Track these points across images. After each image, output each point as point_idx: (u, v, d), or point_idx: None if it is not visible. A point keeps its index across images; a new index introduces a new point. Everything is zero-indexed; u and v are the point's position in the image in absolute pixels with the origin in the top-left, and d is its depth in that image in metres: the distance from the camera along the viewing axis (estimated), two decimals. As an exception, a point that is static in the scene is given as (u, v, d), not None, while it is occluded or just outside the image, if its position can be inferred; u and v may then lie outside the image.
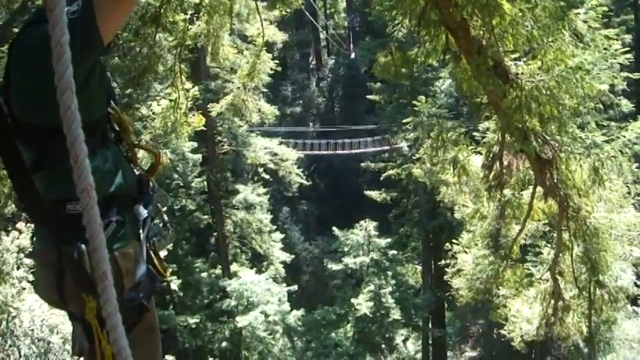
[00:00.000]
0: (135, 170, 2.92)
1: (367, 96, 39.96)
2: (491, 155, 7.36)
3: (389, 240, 35.86)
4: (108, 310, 1.39)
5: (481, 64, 5.51)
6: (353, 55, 49.32)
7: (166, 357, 26.24)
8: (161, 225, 3.03)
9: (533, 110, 5.68)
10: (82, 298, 2.52)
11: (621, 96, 38.36)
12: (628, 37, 44.97)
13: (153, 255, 2.86)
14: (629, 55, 7.05)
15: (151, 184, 2.94)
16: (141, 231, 2.78)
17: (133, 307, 2.62)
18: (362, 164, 42.01)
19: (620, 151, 7.42)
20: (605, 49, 6.36)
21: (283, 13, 12.27)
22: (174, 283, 28.11)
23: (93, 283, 2.36)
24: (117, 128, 2.81)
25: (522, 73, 6.10)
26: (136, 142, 2.98)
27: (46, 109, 2.26)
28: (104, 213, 2.52)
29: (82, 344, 2.68)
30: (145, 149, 3.43)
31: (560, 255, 9.26)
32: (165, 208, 3.13)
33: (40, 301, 11.17)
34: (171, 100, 10.95)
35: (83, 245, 2.44)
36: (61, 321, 11.20)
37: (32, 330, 11.33)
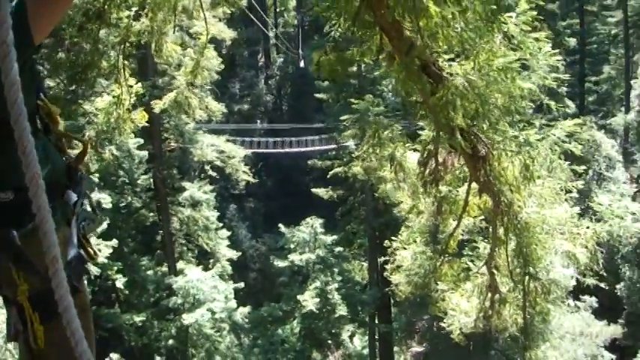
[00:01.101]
0: (64, 159, 3.03)
1: (315, 94, 40.18)
2: (426, 152, 7.60)
3: (335, 237, 36.13)
4: (60, 293, 1.50)
5: (409, 63, 5.75)
6: (302, 64, 48.97)
7: (112, 355, 26.11)
8: (89, 210, 3.15)
9: (458, 107, 5.92)
10: (15, 282, 2.63)
11: (565, 97, 39.61)
12: (573, 41, 46.31)
13: (82, 239, 2.99)
14: (559, 57, 7.43)
15: (79, 172, 3.06)
16: (71, 215, 2.91)
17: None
18: (309, 162, 42.19)
19: (551, 148, 7.75)
20: (535, 51, 6.66)
21: (227, 11, 12.32)
22: (120, 282, 27.94)
23: (31, 264, 2.50)
24: (45, 119, 2.92)
25: (456, 73, 6.34)
26: (63, 132, 3.09)
27: None
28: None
29: (17, 327, 2.79)
30: (73, 138, 3.54)
31: (496, 249, 9.56)
32: (93, 195, 3.27)
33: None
34: (114, 97, 10.94)
35: (14, 231, 2.56)
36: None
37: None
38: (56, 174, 2.86)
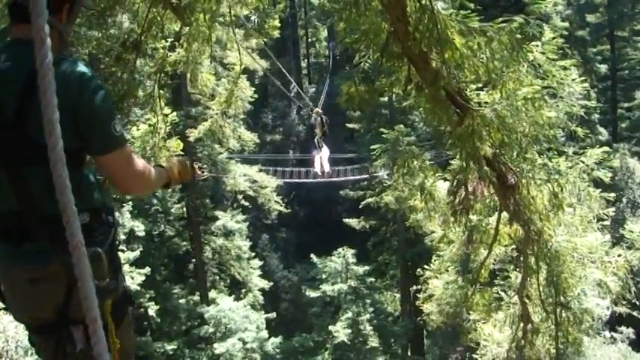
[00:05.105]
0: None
1: (347, 124, 40.33)
2: (456, 181, 7.62)
3: (367, 268, 35.97)
4: (97, 345, 1.67)
5: (435, 93, 5.84)
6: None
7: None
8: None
9: (484, 137, 5.98)
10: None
11: (597, 124, 39.16)
12: (604, 67, 46.00)
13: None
14: (588, 84, 7.46)
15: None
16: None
17: (123, 299, 3.08)
18: (341, 192, 42.22)
19: (579, 176, 7.74)
20: (562, 79, 6.70)
21: (260, 42, 12.55)
22: (152, 309, 28.12)
23: None
24: None
25: (486, 103, 6.41)
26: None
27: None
28: (104, 219, 2.97)
29: (77, 344, 2.93)
30: None
31: (528, 279, 9.49)
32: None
33: (14, 322, 11.23)
34: (150, 125, 11.14)
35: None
36: (36, 343, 11.23)
37: (7, 351, 11.34)
38: (108, 196, 3.10)
